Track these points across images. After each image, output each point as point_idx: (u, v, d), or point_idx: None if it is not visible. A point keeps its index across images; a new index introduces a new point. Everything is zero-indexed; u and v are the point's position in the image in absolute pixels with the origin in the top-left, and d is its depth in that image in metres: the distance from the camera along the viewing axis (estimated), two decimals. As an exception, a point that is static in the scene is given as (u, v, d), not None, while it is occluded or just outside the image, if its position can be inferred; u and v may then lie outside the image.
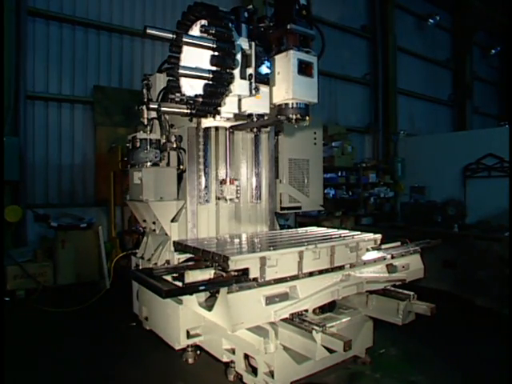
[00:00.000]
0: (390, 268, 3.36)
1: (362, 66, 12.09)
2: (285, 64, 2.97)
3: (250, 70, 3.05)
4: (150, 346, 3.82)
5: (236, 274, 2.70)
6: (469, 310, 4.81)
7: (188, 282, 2.81)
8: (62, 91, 7.35)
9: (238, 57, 2.95)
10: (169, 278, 2.95)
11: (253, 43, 3.08)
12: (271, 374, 2.93)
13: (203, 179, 3.85)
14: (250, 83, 3.05)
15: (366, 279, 3.20)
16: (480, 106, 15.64)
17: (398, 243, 3.72)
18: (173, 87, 3.28)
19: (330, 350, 2.65)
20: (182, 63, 3.22)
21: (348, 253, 3.22)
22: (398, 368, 3.45)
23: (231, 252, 2.84)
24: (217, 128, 3.83)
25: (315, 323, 2.69)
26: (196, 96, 3.01)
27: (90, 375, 3.37)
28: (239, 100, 3.14)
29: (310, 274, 2.93)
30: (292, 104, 3.04)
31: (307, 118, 3.12)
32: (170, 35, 3.14)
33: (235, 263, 2.65)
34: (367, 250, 3.42)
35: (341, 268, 3.12)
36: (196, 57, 3.08)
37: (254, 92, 3.07)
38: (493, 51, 16.15)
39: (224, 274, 2.78)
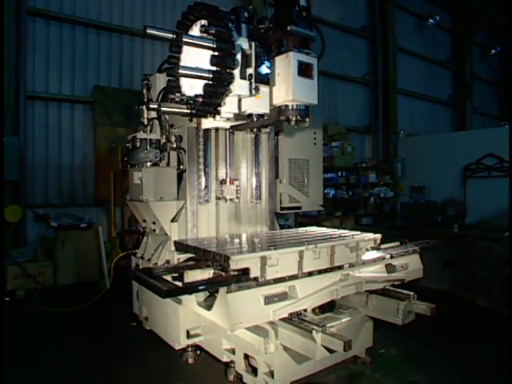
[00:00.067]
0: (389, 268, 3.36)
1: (362, 66, 12.09)
2: (285, 65, 2.97)
3: (250, 70, 3.05)
4: (149, 346, 3.82)
5: (235, 273, 2.71)
6: (469, 309, 4.81)
7: (187, 281, 2.82)
8: (62, 91, 7.35)
9: (238, 57, 2.96)
10: (169, 277, 2.95)
11: (253, 43, 3.08)
12: (271, 374, 2.93)
13: (203, 179, 3.85)
14: (250, 83, 3.05)
15: (365, 279, 3.20)
16: (480, 106, 15.64)
17: (397, 243, 3.73)
18: (173, 87, 3.28)
19: (330, 350, 2.66)
20: (182, 63, 3.22)
21: (348, 252, 3.22)
22: (398, 368, 3.45)
23: (232, 252, 2.85)
24: (217, 128, 3.83)
25: (315, 323, 2.69)
26: (196, 96, 3.01)
27: (90, 375, 3.37)
28: (239, 100, 3.14)
29: (309, 274, 2.93)
30: (292, 105, 3.04)
31: (307, 119, 3.13)
32: (170, 35, 3.15)
33: (236, 263, 2.66)
34: (367, 249, 3.42)
35: (340, 268, 3.12)
36: (196, 57, 3.08)
37: (253, 92, 3.07)
38: (493, 51, 16.15)
39: (223, 274, 2.79)
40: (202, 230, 3.86)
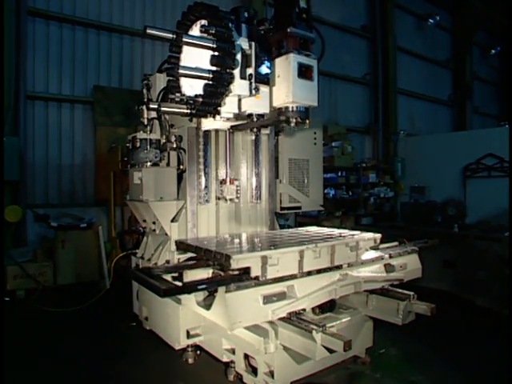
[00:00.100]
0: (388, 267, 3.36)
1: (362, 66, 12.09)
2: (285, 67, 2.98)
3: (250, 70, 3.06)
4: (149, 346, 3.83)
5: (234, 273, 2.72)
6: (469, 309, 4.81)
7: (186, 281, 2.83)
8: (62, 91, 7.35)
9: (238, 57, 2.96)
10: (168, 277, 2.96)
11: (253, 43, 3.08)
12: (271, 374, 2.93)
13: (203, 179, 3.85)
14: (250, 83, 3.06)
15: (364, 279, 3.20)
16: (480, 106, 15.64)
17: (396, 243, 3.73)
18: (173, 87, 3.28)
19: (330, 350, 2.66)
20: (182, 63, 3.22)
21: (348, 252, 3.23)
22: (398, 368, 3.45)
23: (233, 251, 2.86)
24: (217, 129, 3.83)
25: (315, 323, 2.69)
26: (196, 96, 3.01)
27: (90, 375, 3.37)
28: (239, 100, 3.15)
29: (308, 274, 2.94)
30: (292, 107, 3.04)
31: (307, 121, 3.13)
32: (170, 35, 3.15)
33: (237, 262, 2.67)
34: (366, 249, 3.42)
35: (338, 267, 3.13)
36: (196, 57, 3.09)
37: (253, 92, 3.08)
38: (493, 51, 16.15)
39: (222, 274, 2.81)
40: (202, 229, 3.86)
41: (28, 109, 6.90)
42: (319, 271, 3.00)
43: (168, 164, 4.02)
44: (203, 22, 3.08)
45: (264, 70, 3.14)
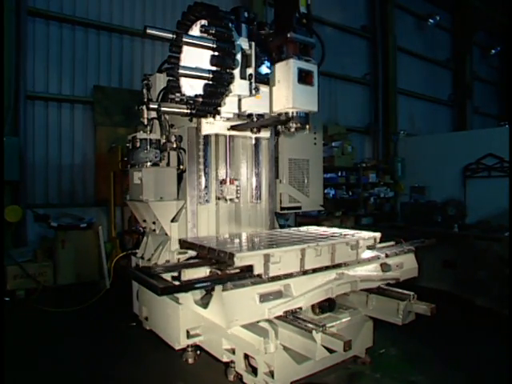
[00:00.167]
0: (384, 267, 3.37)
1: (362, 66, 12.09)
2: (285, 72, 2.99)
3: (250, 70, 3.06)
4: (149, 346, 3.83)
5: (231, 272, 2.76)
6: (469, 309, 4.81)
7: (184, 280, 2.87)
8: (62, 91, 7.35)
9: (238, 57, 2.96)
10: (168, 277, 2.98)
11: (253, 43, 3.08)
12: (271, 374, 2.93)
13: (203, 179, 3.85)
14: (250, 83, 3.05)
15: (360, 278, 3.21)
16: (480, 106, 15.64)
17: (393, 242, 3.74)
18: (173, 87, 3.28)
19: (330, 350, 2.66)
20: (182, 63, 3.22)
21: (348, 250, 3.26)
22: (398, 368, 3.45)
23: (236, 249, 2.90)
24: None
25: (315, 323, 2.69)
26: (196, 96, 3.01)
27: (90, 375, 3.38)
28: (239, 100, 3.14)
29: (304, 273, 2.96)
30: (292, 113, 3.05)
31: (307, 126, 3.14)
32: (170, 35, 3.15)
33: (240, 260, 2.70)
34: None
35: (335, 267, 3.14)
36: (196, 57, 3.09)
37: (253, 92, 3.08)
38: (493, 51, 16.15)
39: (219, 272, 2.84)
40: (202, 229, 3.86)
41: (28, 109, 6.90)
42: (315, 270, 3.02)
43: (168, 164, 4.02)
44: (203, 21, 3.08)
45: (264, 69, 3.14)
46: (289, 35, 2.95)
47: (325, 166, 5.46)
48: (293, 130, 3.09)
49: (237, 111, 3.17)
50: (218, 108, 3.08)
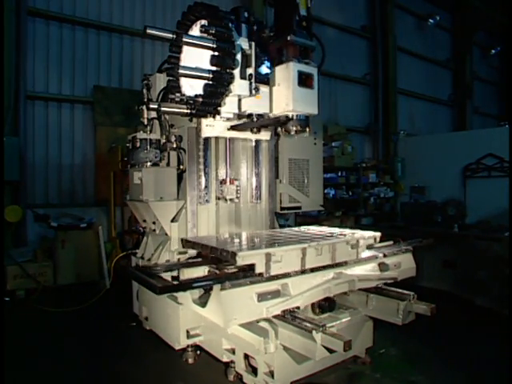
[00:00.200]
0: (382, 266, 3.38)
1: (362, 66, 12.09)
2: (285, 75, 2.99)
3: (250, 70, 3.06)
4: (149, 346, 3.83)
5: (229, 271, 2.80)
6: (469, 310, 4.81)
7: (183, 279, 2.89)
8: (62, 91, 7.35)
9: (238, 57, 2.96)
10: (168, 277, 2.98)
11: (253, 43, 3.08)
12: (271, 374, 2.93)
13: (203, 179, 3.85)
14: (250, 83, 3.06)
15: (358, 277, 3.22)
16: (480, 106, 15.64)
17: (391, 242, 3.74)
18: (173, 87, 3.29)
19: (330, 350, 2.66)
20: (182, 63, 3.22)
21: (349, 249, 3.27)
22: (398, 368, 3.45)
23: (238, 248, 2.93)
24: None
25: (315, 323, 2.69)
26: (196, 96, 3.01)
27: (90, 375, 3.38)
28: (239, 100, 3.14)
29: (302, 272, 2.97)
30: (292, 116, 3.05)
31: (307, 129, 3.15)
32: (170, 35, 3.15)
33: (242, 259, 2.72)
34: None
35: (334, 266, 3.15)
36: (196, 57, 3.09)
37: (253, 92, 3.08)
38: (493, 51, 16.15)
39: (217, 272, 2.88)
40: (202, 229, 3.86)
41: (28, 109, 6.90)
42: (313, 270, 3.03)
43: (168, 164, 4.02)
44: (203, 21, 3.08)
45: (264, 69, 3.14)
46: (289, 38, 2.96)
47: (325, 165, 5.46)
48: (293, 132, 3.10)
49: (237, 111, 3.17)
50: (218, 108, 3.08)
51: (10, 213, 5.87)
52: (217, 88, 2.91)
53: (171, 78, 3.31)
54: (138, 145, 3.82)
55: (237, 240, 3.42)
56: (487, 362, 3.58)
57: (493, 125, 14.59)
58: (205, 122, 3.43)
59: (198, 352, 3.58)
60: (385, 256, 3.43)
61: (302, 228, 4.09)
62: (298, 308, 2.90)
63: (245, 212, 4.11)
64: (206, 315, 2.91)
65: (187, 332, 3.42)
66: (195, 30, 3.17)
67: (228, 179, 3.80)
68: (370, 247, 3.50)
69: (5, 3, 6.24)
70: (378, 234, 3.54)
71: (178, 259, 3.54)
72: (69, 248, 6.08)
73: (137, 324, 4.23)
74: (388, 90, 12.15)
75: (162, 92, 3.87)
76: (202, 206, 3.85)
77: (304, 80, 2.98)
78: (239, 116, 3.31)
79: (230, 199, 3.81)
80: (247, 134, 3.63)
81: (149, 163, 3.82)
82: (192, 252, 3.70)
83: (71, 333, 4.29)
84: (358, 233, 3.55)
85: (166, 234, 3.80)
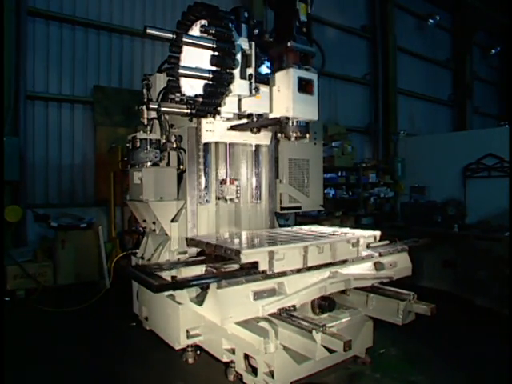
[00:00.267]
0: (378, 266, 3.39)
1: (362, 66, 12.09)
2: (285, 81, 3.00)
3: (250, 70, 3.06)
4: (149, 346, 3.82)
5: (226, 270, 2.83)
6: (469, 309, 4.81)
7: (180, 277, 2.92)
8: (62, 91, 7.34)
9: (238, 57, 2.96)
10: (168, 277, 2.99)
11: (253, 43, 3.08)
12: (271, 374, 2.93)
13: (203, 179, 3.85)
14: (250, 83, 3.06)
15: (354, 276, 3.23)
16: (480, 106, 15.63)
17: (387, 241, 3.75)
18: (173, 87, 3.29)
19: (330, 350, 2.66)
20: (182, 63, 3.22)
21: (349, 248, 3.29)
22: (398, 368, 3.45)
23: (242, 247, 2.96)
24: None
25: (315, 323, 2.70)
26: (196, 96, 3.01)
27: (90, 375, 3.38)
28: (239, 100, 3.14)
29: (298, 271, 2.99)
30: (292, 122, 3.06)
31: (307, 135, 3.16)
32: (170, 35, 3.15)
33: (246, 256, 2.75)
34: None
35: (328, 265, 3.16)
36: (196, 57, 3.09)
37: (253, 92, 3.08)
38: (493, 51, 16.15)
39: (214, 271, 2.90)
40: (202, 229, 3.86)
41: (28, 109, 6.90)
42: (309, 269, 3.04)
43: (168, 164, 4.02)
44: (203, 21, 3.08)
45: (264, 69, 3.15)
46: (289, 44, 2.97)
47: (325, 165, 5.46)
48: (293, 139, 3.13)
49: (237, 111, 3.17)
50: (218, 108, 3.08)
51: (10, 213, 5.87)
52: (217, 88, 2.91)
53: (171, 78, 3.31)
54: (138, 145, 3.83)
55: (236, 240, 3.43)
56: (487, 361, 3.58)
57: (493, 125, 14.59)
58: (205, 122, 3.43)
59: (198, 352, 3.59)
60: (380, 255, 3.44)
61: (305, 227, 4.09)
62: (293, 306, 2.92)
63: (245, 212, 4.11)
64: (202, 313, 2.94)
65: (187, 332, 3.42)
66: (195, 30, 3.17)
67: (228, 179, 3.80)
68: (366, 246, 3.51)
69: (5, 3, 6.24)
70: (377, 233, 3.55)
71: (178, 259, 3.54)
72: (69, 248, 6.08)
73: (137, 324, 4.23)
74: (388, 90, 12.14)
75: (162, 92, 3.87)
76: (202, 206, 3.85)
77: (304, 86, 2.99)
78: (239, 116, 3.31)
79: (230, 199, 3.82)
80: (247, 138, 3.63)
81: (149, 163, 3.82)
82: (192, 252, 3.70)
83: (71, 333, 4.29)
84: (358, 232, 3.56)
85: (166, 234, 3.80)
